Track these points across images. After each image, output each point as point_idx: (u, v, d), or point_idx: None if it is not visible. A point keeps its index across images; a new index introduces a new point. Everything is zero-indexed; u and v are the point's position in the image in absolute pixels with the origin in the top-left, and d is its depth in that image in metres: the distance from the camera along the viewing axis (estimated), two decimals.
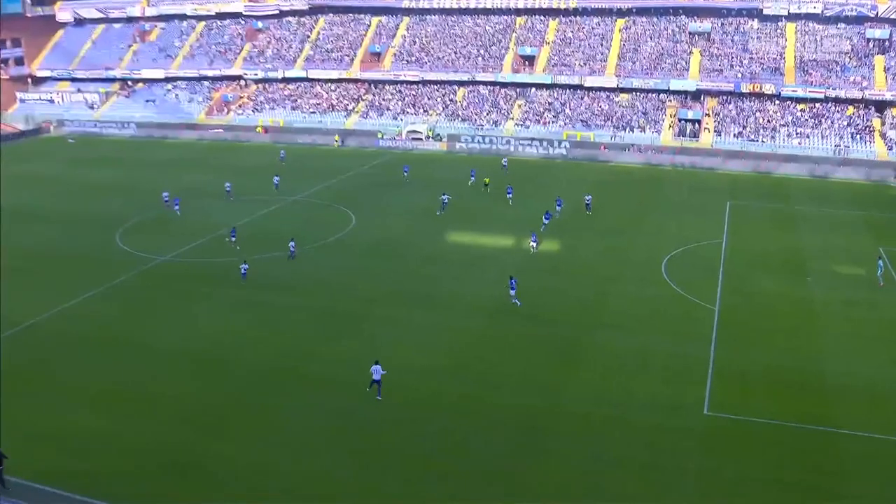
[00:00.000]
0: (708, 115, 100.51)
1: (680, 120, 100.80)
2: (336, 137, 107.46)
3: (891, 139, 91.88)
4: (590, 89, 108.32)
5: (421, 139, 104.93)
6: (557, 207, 68.49)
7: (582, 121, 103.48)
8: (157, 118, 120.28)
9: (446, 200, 69.63)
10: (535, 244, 57.65)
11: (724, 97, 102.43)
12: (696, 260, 56.98)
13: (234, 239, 59.28)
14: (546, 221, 63.43)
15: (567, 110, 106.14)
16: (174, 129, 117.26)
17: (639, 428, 33.98)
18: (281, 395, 36.75)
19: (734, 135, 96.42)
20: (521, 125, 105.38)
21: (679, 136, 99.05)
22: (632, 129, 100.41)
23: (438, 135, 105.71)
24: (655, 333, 43.50)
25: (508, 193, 73.09)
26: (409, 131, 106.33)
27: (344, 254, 57.07)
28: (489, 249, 60.17)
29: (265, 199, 73.83)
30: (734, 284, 51.68)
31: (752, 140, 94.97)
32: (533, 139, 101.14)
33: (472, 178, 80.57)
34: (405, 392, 36.54)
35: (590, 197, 70.23)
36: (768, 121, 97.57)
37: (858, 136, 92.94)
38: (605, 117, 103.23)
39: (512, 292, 46.82)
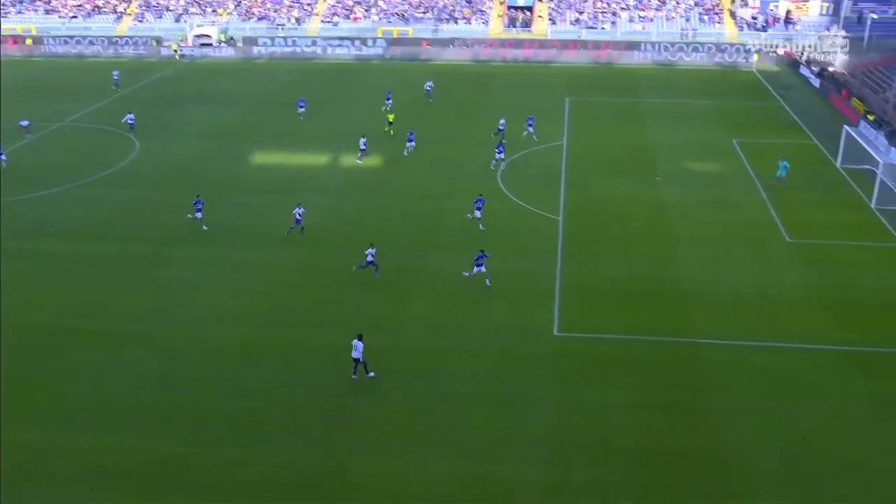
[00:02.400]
0: (541, 0, 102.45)
1: (509, 8, 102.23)
2: (174, 46, 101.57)
3: (741, 18, 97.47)
4: None
5: (211, 45, 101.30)
6: (529, 129, 63.91)
7: (398, 14, 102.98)
8: None
9: (364, 145, 59.99)
10: (478, 212, 48.33)
11: None
12: (535, 167, 58.76)
13: (199, 217, 48.15)
14: (500, 155, 57.99)
15: (381, 3, 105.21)
16: None
17: (484, 358, 34.98)
18: (65, 361, 35.22)
19: (571, 22, 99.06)
20: (329, 22, 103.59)
21: (509, 26, 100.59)
22: (455, 21, 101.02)
23: (232, 38, 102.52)
24: (495, 252, 44.45)
25: (409, 141, 61.40)
26: (195, 35, 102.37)
27: (128, 187, 54.83)
28: (301, 170, 59.51)
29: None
30: (578, 191, 53.72)
31: (591, 28, 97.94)
32: (343, 38, 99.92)
33: (389, 103, 73.02)
34: (215, 342, 36.01)
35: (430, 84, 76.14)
36: (608, 4, 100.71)
37: (706, 17, 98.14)
38: (425, 9, 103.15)
39: (478, 269, 40.60)
